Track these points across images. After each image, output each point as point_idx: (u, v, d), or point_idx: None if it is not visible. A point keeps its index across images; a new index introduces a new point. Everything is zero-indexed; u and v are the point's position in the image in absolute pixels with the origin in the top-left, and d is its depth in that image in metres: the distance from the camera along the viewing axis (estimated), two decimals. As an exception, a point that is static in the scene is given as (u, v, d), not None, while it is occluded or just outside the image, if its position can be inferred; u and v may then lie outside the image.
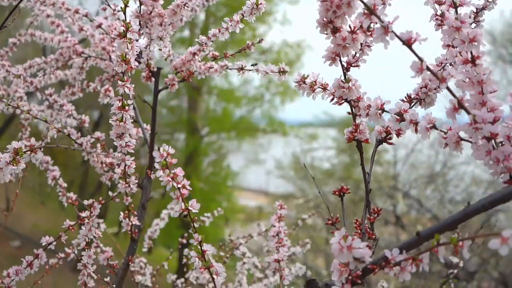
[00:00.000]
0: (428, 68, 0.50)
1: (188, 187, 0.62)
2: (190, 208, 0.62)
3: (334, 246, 0.50)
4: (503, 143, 0.51)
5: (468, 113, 0.50)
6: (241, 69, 0.93)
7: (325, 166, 10.28)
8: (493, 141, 0.52)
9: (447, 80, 0.50)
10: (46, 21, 1.20)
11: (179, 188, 0.61)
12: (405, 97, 0.68)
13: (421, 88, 0.67)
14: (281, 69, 0.81)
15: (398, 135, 0.67)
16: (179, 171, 0.62)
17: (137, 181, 0.90)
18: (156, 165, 0.60)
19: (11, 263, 0.93)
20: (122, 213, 0.95)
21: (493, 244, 0.40)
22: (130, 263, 0.98)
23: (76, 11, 1.08)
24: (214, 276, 0.64)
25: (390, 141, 0.67)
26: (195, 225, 0.63)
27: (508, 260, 6.15)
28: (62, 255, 1.11)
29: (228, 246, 1.33)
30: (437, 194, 6.85)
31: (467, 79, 0.54)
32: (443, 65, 0.68)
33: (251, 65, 0.96)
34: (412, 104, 0.68)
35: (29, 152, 0.67)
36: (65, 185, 1.09)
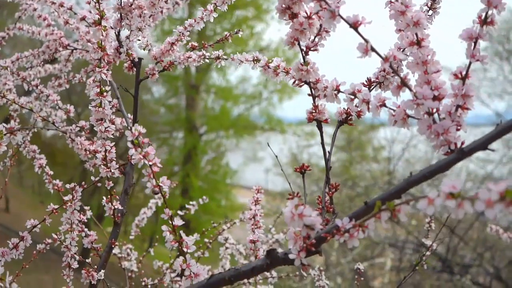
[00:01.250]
0: (372, 49, 0.54)
1: (159, 165, 0.66)
2: (161, 184, 0.66)
3: (286, 214, 0.54)
4: (445, 118, 0.55)
5: (411, 90, 0.54)
6: (217, 58, 0.97)
7: (323, 164, 10.32)
8: (436, 116, 0.56)
9: (390, 60, 0.54)
10: (33, 15, 1.23)
11: (150, 166, 0.65)
12: (365, 80, 0.72)
13: (380, 71, 0.71)
14: (255, 58, 0.85)
15: (358, 116, 0.71)
16: (151, 150, 0.66)
17: (118, 166, 0.94)
18: (129, 144, 0.64)
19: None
20: (104, 198, 0.99)
21: (420, 205, 0.44)
22: (113, 246, 1.02)
23: (61, 5, 1.12)
24: (184, 249, 0.68)
25: (350, 122, 0.71)
26: (165, 200, 0.67)
27: (503, 254, 6.21)
28: (49, 240, 1.15)
29: (211, 232, 1.38)
30: (433, 189, 6.88)
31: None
32: (401, 49, 0.72)
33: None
34: (372, 87, 0.72)
35: (8, 134, 0.71)
36: (51, 172, 1.13)
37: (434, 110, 0.55)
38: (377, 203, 0.51)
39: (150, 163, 0.65)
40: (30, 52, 1.23)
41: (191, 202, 1.45)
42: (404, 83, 0.55)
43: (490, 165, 7.83)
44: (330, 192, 0.66)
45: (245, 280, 1.23)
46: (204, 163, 11.41)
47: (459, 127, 0.54)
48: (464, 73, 0.56)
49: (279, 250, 0.62)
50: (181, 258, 0.68)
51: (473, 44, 0.55)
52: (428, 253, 1.10)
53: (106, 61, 0.76)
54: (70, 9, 1.12)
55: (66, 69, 1.21)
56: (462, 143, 0.53)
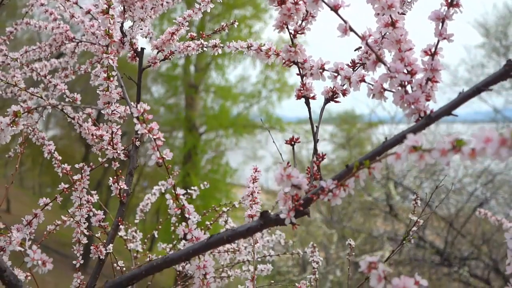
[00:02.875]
0: (351, 29, 0.61)
1: (162, 139, 0.73)
2: (164, 156, 0.73)
3: (276, 176, 0.61)
4: (415, 89, 0.62)
5: (385, 65, 0.62)
6: (214, 46, 1.04)
7: (323, 162, 10.40)
8: (409, 88, 0.63)
9: (366, 38, 0.61)
10: (40, 9, 1.30)
11: (155, 139, 0.72)
12: (350, 62, 0.79)
13: (363, 53, 0.78)
14: (249, 45, 0.92)
15: (343, 94, 0.78)
16: (154, 125, 0.73)
17: (123, 147, 1.01)
18: (135, 120, 0.71)
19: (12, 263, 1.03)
20: (111, 178, 1.06)
21: (390, 160, 0.51)
22: (119, 224, 1.09)
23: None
24: (187, 215, 0.75)
25: (336, 99, 0.78)
26: (168, 171, 0.74)
27: (500, 247, 6.28)
28: (58, 222, 1.22)
29: (212, 215, 1.45)
30: (431, 183, 6.97)
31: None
32: (383, 34, 0.79)
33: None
34: (356, 67, 0.79)
35: (26, 113, 0.78)
36: (60, 157, 1.20)
37: (407, 83, 0.62)
38: (356, 163, 0.58)
39: (154, 137, 0.72)
40: (37, 45, 1.30)
41: (192, 187, 1.52)
42: (379, 59, 0.62)
43: (492, 162, 7.89)
44: (318, 162, 0.73)
45: (245, 258, 1.31)
46: (204, 162, 11.46)
47: (428, 98, 0.62)
48: (433, 50, 0.63)
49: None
50: (184, 223, 0.75)
51: (440, 23, 0.62)
52: (414, 228, 1.17)
53: (113, 48, 0.83)
54: (76, 3, 1.19)
55: (72, 61, 1.28)
56: (431, 111, 0.61)
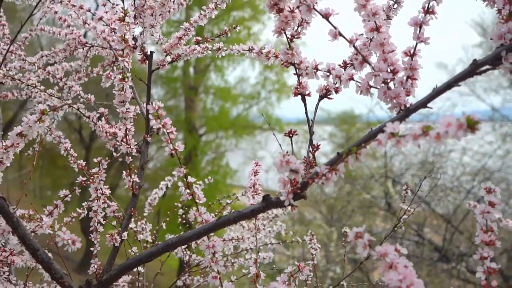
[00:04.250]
0: (340, 34, 0.70)
1: (175, 132, 0.82)
2: (176, 148, 0.82)
3: (276, 162, 0.70)
4: (397, 86, 0.71)
5: (370, 65, 0.71)
6: (218, 49, 1.14)
7: (321, 160, 10.49)
8: (391, 84, 0.72)
9: (354, 42, 0.70)
10: (54, 17, 1.39)
11: (168, 133, 0.82)
12: (342, 63, 0.88)
13: (352, 55, 0.87)
14: (250, 48, 1.01)
15: (336, 92, 0.87)
16: (168, 120, 0.82)
17: (136, 143, 1.10)
18: (150, 116, 0.80)
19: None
20: (124, 172, 1.16)
21: (373, 145, 0.60)
22: (132, 213, 1.18)
23: (81, 7, 1.28)
24: (197, 200, 0.84)
25: (330, 96, 0.87)
26: (180, 160, 0.83)
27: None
28: (74, 214, 1.31)
29: (216, 207, 1.54)
30: (429, 181, 7.05)
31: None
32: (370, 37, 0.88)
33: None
34: (348, 67, 0.88)
35: (52, 111, 0.87)
36: (75, 154, 1.29)
37: (389, 80, 0.71)
38: (345, 150, 0.67)
39: (168, 131, 0.82)
40: (52, 50, 1.39)
41: (197, 182, 1.61)
42: (364, 60, 0.71)
43: (489, 160, 7.98)
44: (313, 151, 0.82)
45: (248, 247, 1.40)
46: (204, 163, 11.54)
47: (408, 93, 0.71)
48: (412, 51, 0.72)
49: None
50: (194, 208, 0.84)
51: (418, 28, 0.71)
52: (405, 216, 1.25)
53: (128, 51, 0.92)
54: (89, 10, 1.29)
55: (85, 64, 1.38)
56: (411, 105, 0.70)
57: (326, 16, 0.70)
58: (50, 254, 0.87)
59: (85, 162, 1.25)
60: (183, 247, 1.56)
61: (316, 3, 0.73)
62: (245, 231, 1.50)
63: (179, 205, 1.62)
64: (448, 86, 0.65)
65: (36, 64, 1.32)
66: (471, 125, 0.47)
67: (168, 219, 1.65)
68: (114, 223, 1.13)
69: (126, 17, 0.90)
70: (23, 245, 0.77)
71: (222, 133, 11.56)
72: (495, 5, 0.67)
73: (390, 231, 1.29)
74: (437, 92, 0.66)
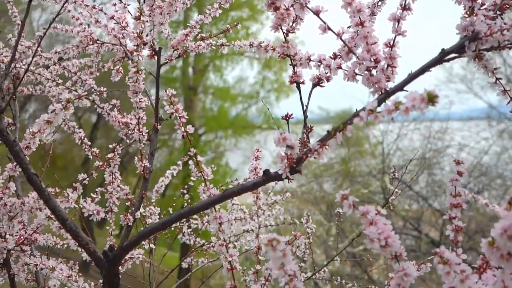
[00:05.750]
0: (329, 28, 0.81)
1: (186, 117, 0.93)
2: (187, 130, 0.93)
3: (275, 138, 0.81)
4: (379, 73, 0.83)
5: (355, 54, 0.82)
6: (222, 45, 1.25)
7: (322, 160, 10.60)
8: (374, 71, 0.83)
9: (341, 35, 0.82)
10: (67, 15, 1.50)
11: (180, 117, 0.93)
12: (332, 54, 0.99)
13: (341, 47, 0.98)
14: (251, 43, 1.12)
15: (327, 80, 0.98)
16: (180, 106, 0.93)
17: (147, 131, 1.21)
18: (164, 102, 0.91)
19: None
20: (136, 158, 1.27)
21: (356, 121, 0.71)
22: (143, 196, 1.29)
23: (93, 7, 1.39)
24: (206, 176, 0.95)
25: (322, 84, 0.98)
26: (190, 142, 0.94)
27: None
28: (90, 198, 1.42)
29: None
30: (426, 177, 7.18)
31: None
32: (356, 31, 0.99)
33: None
34: (338, 58, 0.99)
35: (77, 100, 0.98)
36: (89, 143, 1.40)
37: (372, 68, 0.82)
38: (333, 128, 0.78)
39: (180, 115, 0.93)
40: (66, 46, 1.50)
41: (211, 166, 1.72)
42: (350, 50, 0.82)
43: (484, 155, 8.11)
44: (307, 132, 0.93)
45: (250, 228, 1.51)
46: (203, 163, 11.59)
47: (388, 79, 0.82)
48: (391, 43, 0.83)
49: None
50: (203, 184, 0.95)
51: (396, 22, 0.82)
52: (393, 197, 1.36)
53: (142, 46, 1.03)
54: (101, 10, 1.40)
55: (96, 59, 1.49)
56: (390, 89, 0.81)
57: (316, 13, 0.81)
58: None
59: (115, 144, 1.32)
60: (189, 230, 1.68)
61: (309, 1, 0.84)
62: (247, 212, 1.60)
63: (185, 191, 1.73)
64: (421, 71, 0.76)
65: (52, 59, 1.42)
66: (431, 99, 0.58)
67: (174, 204, 1.76)
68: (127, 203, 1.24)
69: (141, 16, 1.01)
70: (53, 216, 0.88)
71: (222, 132, 11.66)
72: (462, 3, 0.78)
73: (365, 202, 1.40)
74: (412, 77, 0.77)
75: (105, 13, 1.40)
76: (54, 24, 1.58)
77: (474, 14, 0.75)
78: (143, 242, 1.61)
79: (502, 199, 6.96)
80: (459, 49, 0.75)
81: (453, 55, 0.76)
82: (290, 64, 0.95)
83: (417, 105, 0.59)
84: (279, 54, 0.94)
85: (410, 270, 0.69)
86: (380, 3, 1.01)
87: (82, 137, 1.41)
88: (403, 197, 7.09)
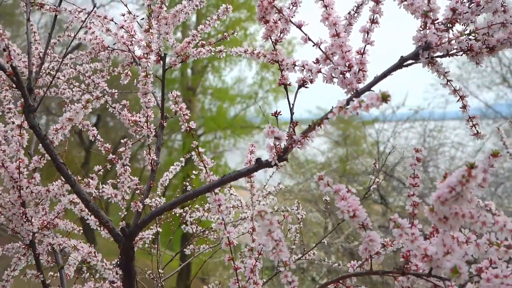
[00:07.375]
0: (309, 39, 0.97)
1: (189, 114, 1.09)
2: (190, 125, 1.10)
3: (265, 131, 0.97)
4: (351, 76, 0.99)
5: (331, 61, 0.98)
6: (220, 51, 1.41)
7: (320, 159, 10.79)
8: (347, 75, 1.00)
9: (320, 44, 0.98)
10: (65, 17, 1.66)
11: (183, 114, 1.09)
12: (315, 59, 1.15)
13: (321, 55, 1.14)
14: (246, 49, 1.28)
15: (311, 82, 1.14)
16: (183, 105, 1.09)
17: (155, 127, 1.37)
18: (170, 101, 1.08)
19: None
20: (144, 151, 1.43)
21: (330, 116, 0.87)
22: (151, 185, 1.45)
23: (105, 17, 1.55)
24: (206, 165, 1.11)
25: (306, 86, 1.14)
26: (194, 136, 1.10)
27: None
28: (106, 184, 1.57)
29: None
30: (422, 175, 7.34)
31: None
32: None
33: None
34: (318, 63, 1.15)
35: (96, 100, 1.14)
36: (102, 140, 1.56)
37: (346, 72, 0.98)
38: (313, 122, 0.94)
39: (184, 113, 1.09)
40: (79, 52, 1.66)
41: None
42: (327, 57, 0.98)
43: (479, 154, 8.26)
44: (293, 125, 1.09)
45: (247, 215, 1.67)
46: (203, 163, 11.71)
47: (359, 81, 0.98)
48: (362, 51, 0.99)
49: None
50: (204, 171, 1.11)
51: (366, 33, 0.99)
52: (374, 186, 1.52)
53: (150, 54, 1.19)
54: (112, 20, 1.56)
55: (107, 64, 1.65)
56: (359, 89, 0.97)
57: (299, 26, 0.97)
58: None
59: (125, 139, 1.48)
60: (192, 218, 1.84)
61: (293, 16, 1.00)
62: (243, 200, 1.76)
63: (187, 183, 1.89)
64: (383, 75, 0.92)
65: (68, 64, 1.59)
66: (384, 98, 0.74)
67: (178, 195, 1.91)
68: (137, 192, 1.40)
69: (150, 28, 1.17)
70: (79, 198, 1.04)
71: (220, 133, 11.81)
72: (418, 18, 0.94)
73: (361, 199, 1.56)
74: (376, 80, 0.93)
75: (115, 23, 1.56)
76: (67, 32, 1.75)
77: (427, 28, 0.91)
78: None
79: (494, 195, 7.13)
80: (414, 56, 0.91)
81: (410, 61, 0.92)
82: (278, 69, 1.11)
83: (374, 102, 0.76)
84: (269, 60, 1.10)
85: (375, 236, 0.85)
86: (356, 14, 1.17)
87: (96, 134, 1.57)
88: (398, 194, 7.26)
